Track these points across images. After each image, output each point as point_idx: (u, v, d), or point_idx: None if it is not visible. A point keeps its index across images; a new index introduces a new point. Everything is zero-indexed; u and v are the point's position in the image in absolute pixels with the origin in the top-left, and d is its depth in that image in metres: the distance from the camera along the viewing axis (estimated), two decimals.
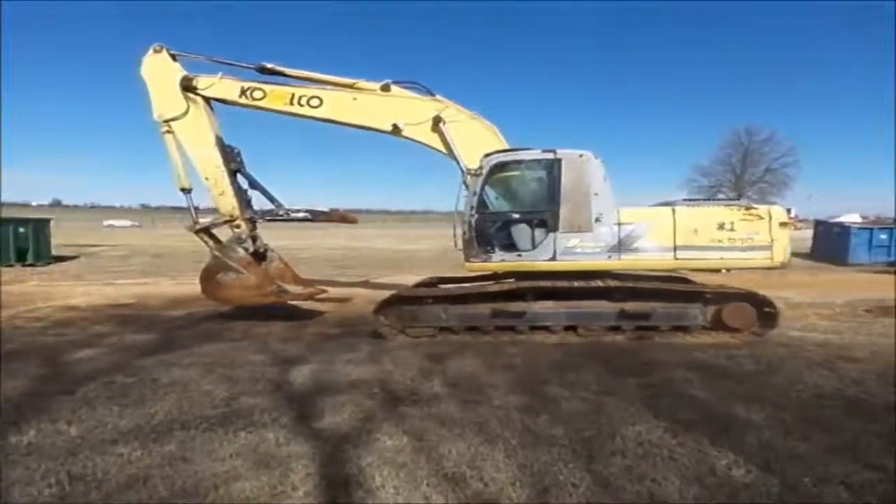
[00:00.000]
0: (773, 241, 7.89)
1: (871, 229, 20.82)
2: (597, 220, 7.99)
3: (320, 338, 8.37)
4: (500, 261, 8.23)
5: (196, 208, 9.88)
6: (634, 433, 4.48)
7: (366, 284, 14.95)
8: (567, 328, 8.15)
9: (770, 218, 7.93)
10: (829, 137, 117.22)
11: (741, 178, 53.02)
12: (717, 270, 9.05)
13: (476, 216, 8.23)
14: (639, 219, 8.10)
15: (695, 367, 6.52)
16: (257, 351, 7.45)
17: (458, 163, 8.94)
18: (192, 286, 14.29)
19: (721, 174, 55.20)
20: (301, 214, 10.01)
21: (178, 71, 9.55)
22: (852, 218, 23.71)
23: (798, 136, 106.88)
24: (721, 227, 7.92)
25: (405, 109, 9.16)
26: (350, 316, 10.30)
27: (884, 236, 20.31)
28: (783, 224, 7.98)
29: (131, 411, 5.05)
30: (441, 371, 6.38)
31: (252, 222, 9.79)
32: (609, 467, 3.88)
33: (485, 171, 8.28)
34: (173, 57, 9.65)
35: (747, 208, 8.06)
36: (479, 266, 8.37)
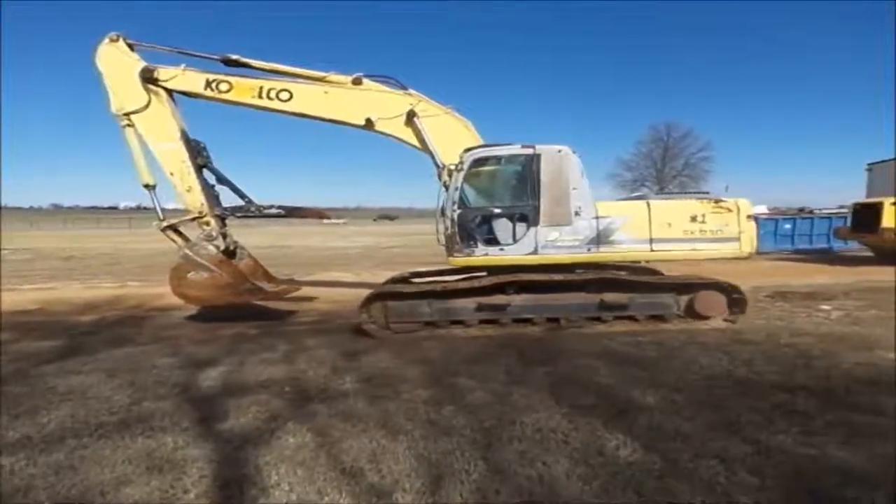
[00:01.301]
0: (741, 232, 8.25)
1: (777, 219, 22.19)
2: (576, 213, 8.13)
3: (237, 339, 8.20)
4: (484, 255, 8.27)
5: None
6: (534, 420, 4.63)
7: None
8: (549, 320, 8.28)
9: (738, 210, 8.26)
10: (741, 132, 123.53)
11: (662, 171, 55.43)
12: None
13: (458, 211, 8.23)
14: (615, 212, 8.30)
15: (603, 354, 6.78)
16: (167, 354, 7.22)
17: (432, 158, 8.91)
18: (104, 290, 13.85)
19: (644, 168, 57.59)
20: (273, 210, 9.74)
21: (136, 61, 9.08)
22: (760, 209, 25.15)
23: (712, 131, 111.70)
24: (693, 219, 8.21)
25: (378, 103, 9.01)
26: (273, 314, 10.14)
27: (788, 226, 21.69)
28: (749, 216, 8.35)
29: (22, 422, 4.82)
30: (356, 368, 6.38)
31: (222, 219, 9.47)
32: (504, 453, 4.00)
33: (465, 166, 8.26)
34: (131, 47, 9.19)
35: (717, 201, 8.34)
36: (462, 261, 8.35)
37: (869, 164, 33.85)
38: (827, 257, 19.63)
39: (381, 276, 16.03)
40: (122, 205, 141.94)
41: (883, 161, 31.90)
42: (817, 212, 23.29)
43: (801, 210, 23.89)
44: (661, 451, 3.97)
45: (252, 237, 32.95)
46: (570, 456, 3.94)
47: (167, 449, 4.17)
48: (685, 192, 8.88)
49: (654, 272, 9.05)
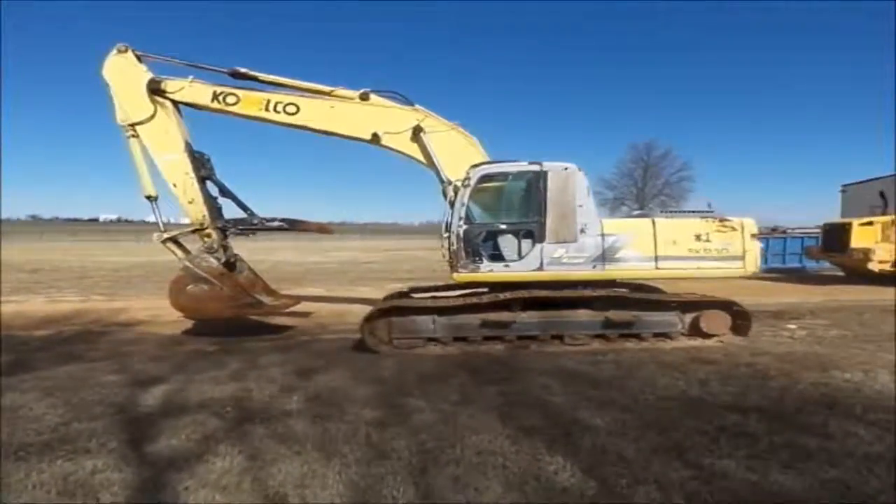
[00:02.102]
0: (745, 251, 8.21)
1: (768, 239, 22.25)
2: (581, 230, 8.07)
3: (192, 356, 7.98)
4: (489, 271, 8.17)
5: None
6: (476, 442, 4.49)
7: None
8: (554, 337, 8.15)
9: (742, 229, 8.24)
10: (720, 149, 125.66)
11: (643, 190, 55.85)
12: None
13: (464, 227, 8.16)
14: (621, 230, 8.26)
15: (559, 373, 6.67)
16: (115, 371, 6.98)
17: (438, 174, 8.87)
18: (66, 304, 13.52)
19: (625, 187, 57.98)
20: (276, 224, 9.63)
21: (144, 73, 9.06)
22: None
23: (692, 149, 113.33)
24: (698, 237, 8.18)
25: (385, 118, 9.01)
26: (230, 330, 9.90)
27: (761, 245, 21.74)
28: (754, 235, 8.31)
29: None
30: (306, 387, 6.20)
31: (223, 231, 9.34)
32: (438, 479, 3.85)
33: (472, 182, 8.19)
34: (138, 58, 9.13)
35: (721, 220, 8.32)
36: (466, 277, 8.25)
37: (843, 186, 34.51)
38: (799, 276, 19.76)
39: (354, 292, 15.95)
40: (102, 217, 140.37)
41: (856, 182, 32.50)
42: (790, 231, 23.49)
43: (774, 229, 24.08)
44: (600, 476, 3.85)
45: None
46: (506, 481, 3.80)
47: (85, 472, 3.96)
48: (690, 211, 8.84)
49: (656, 290, 8.96)
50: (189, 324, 10.59)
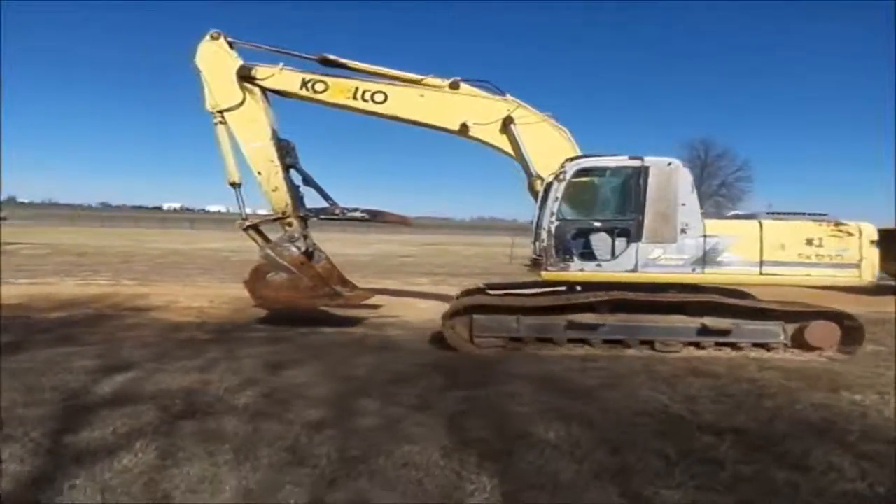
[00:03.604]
0: (862, 258, 7.61)
1: None
2: (682, 230, 7.62)
3: (181, 344, 7.93)
4: (579, 270, 7.80)
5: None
6: (405, 453, 4.15)
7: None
8: (643, 343, 7.72)
9: (860, 235, 7.64)
10: (776, 149, 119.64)
11: (699, 189, 53.46)
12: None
13: (556, 223, 7.77)
14: (725, 231, 7.80)
15: (537, 379, 6.25)
16: (95, 357, 6.97)
17: (526, 166, 8.69)
18: (95, 287, 13.89)
19: None
20: (358, 214, 9.60)
21: (235, 60, 9.14)
22: None
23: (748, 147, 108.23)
24: (809, 242, 7.62)
25: (474, 108, 8.85)
26: (238, 321, 9.89)
27: None
28: (873, 242, 7.68)
29: None
30: (268, 381, 6.01)
31: (304, 220, 9.35)
32: (340, 493, 3.55)
33: (568, 176, 7.82)
34: (230, 45, 9.23)
35: (837, 224, 7.76)
36: (556, 276, 7.89)
37: None
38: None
39: (375, 284, 15.75)
40: (165, 205, 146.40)
41: None
42: None
43: None
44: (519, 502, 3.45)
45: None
46: (411, 500, 3.46)
47: None
48: (800, 213, 8.23)
49: (749, 296, 8.31)
50: (194, 311, 10.69)
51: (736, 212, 9.22)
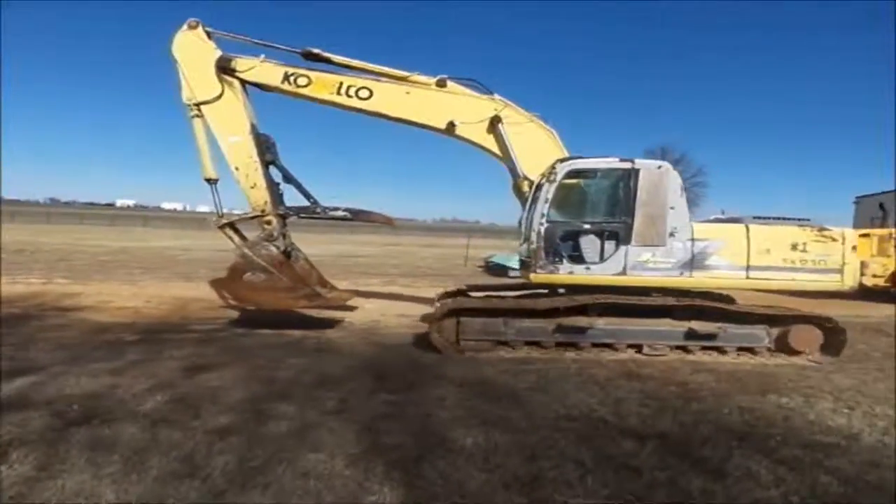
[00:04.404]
0: (844, 264, 7.63)
1: None
2: (671, 234, 7.53)
3: (102, 345, 7.50)
4: (568, 273, 7.64)
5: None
6: (309, 461, 3.92)
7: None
8: (630, 346, 7.61)
9: (843, 240, 7.68)
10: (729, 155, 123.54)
11: None
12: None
13: (545, 225, 7.60)
14: (712, 235, 7.70)
15: (469, 383, 6.06)
16: (8, 359, 6.49)
17: (512, 167, 8.47)
18: (24, 286, 13.17)
19: None
20: (339, 213, 9.22)
21: (213, 50, 8.70)
22: None
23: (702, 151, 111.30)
24: (794, 247, 7.62)
25: (462, 107, 8.62)
26: (172, 321, 9.46)
27: None
28: (854, 247, 7.76)
29: None
30: (182, 385, 5.68)
31: (283, 218, 8.92)
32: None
33: (558, 178, 7.66)
34: (208, 35, 8.77)
35: (821, 229, 7.75)
36: (544, 278, 7.74)
37: (857, 197, 33.19)
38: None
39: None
40: (119, 202, 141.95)
41: (871, 195, 31.22)
42: None
43: None
44: None
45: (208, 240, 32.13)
46: None
47: None
48: (786, 218, 8.20)
49: (731, 300, 8.31)
50: (128, 311, 10.23)
51: (718, 216, 9.24)
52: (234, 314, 9.93)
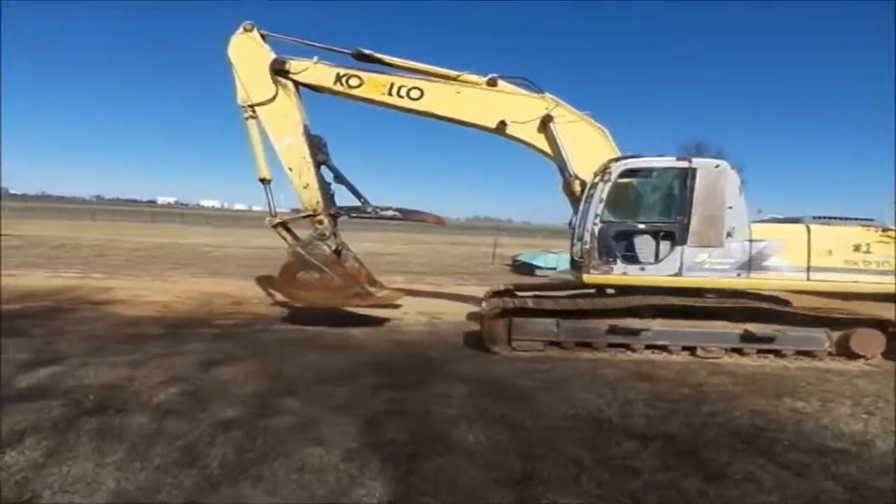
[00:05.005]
0: None
1: None
2: (728, 234, 7.44)
3: (128, 338, 7.73)
4: (622, 273, 7.60)
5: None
6: (307, 456, 3.98)
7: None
8: (685, 349, 7.50)
9: None
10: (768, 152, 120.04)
11: None
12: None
13: (599, 225, 7.59)
14: (771, 235, 7.59)
15: (478, 381, 6.07)
16: (32, 350, 6.74)
17: (564, 166, 8.52)
18: (62, 280, 13.67)
19: None
20: (390, 213, 9.34)
21: (268, 53, 8.91)
22: None
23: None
24: (857, 248, 7.44)
25: (513, 106, 8.69)
26: (199, 316, 9.69)
27: None
28: None
29: None
30: (197, 378, 5.83)
31: (335, 218, 9.13)
32: (219, 495, 3.37)
33: (613, 177, 7.64)
34: (263, 37, 9.00)
35: (885, 229, 7.57)
36: (598, 279, 7.69)
37: None
38: None
39: None
40: (160, 199, 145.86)
41: None
42: None
43: None
44: None
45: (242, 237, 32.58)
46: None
47: None
48: (847, 218, 8.03)
49: (786, 302, 8.09)
50: (157, 305, 10.49)
51: (775, 215, 9.03)
52: (261, 310, 10.15)
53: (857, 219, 7.97)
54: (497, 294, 9.28)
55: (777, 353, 7.46)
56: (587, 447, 4.33)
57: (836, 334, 7.51)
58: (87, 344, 7.24)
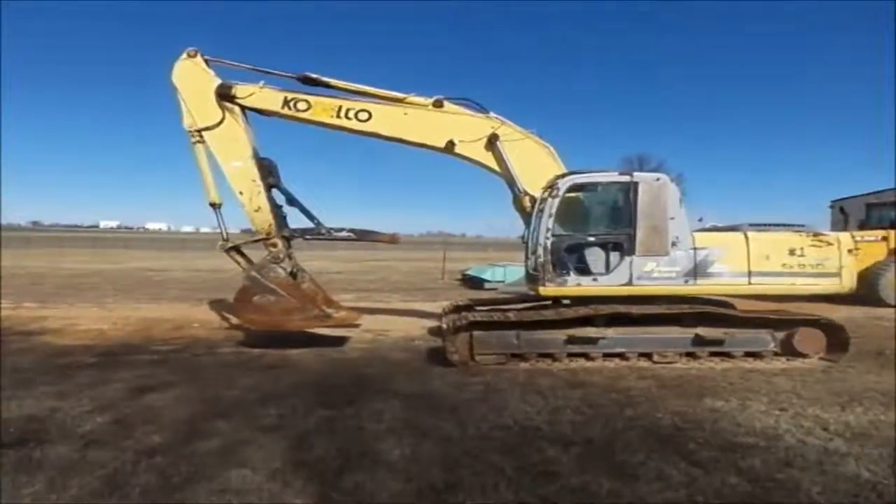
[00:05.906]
0: (841, 267, 7.83)
1: None
2: (673, 244, 7.72)
3: (56, 368, 7.50)
4: (576, 285, 7.84)
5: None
6: (230, 477, 3.99)
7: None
8: (641, 355, 7.76)
9: (839, 244, 7.89)
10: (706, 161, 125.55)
11: None
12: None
13: (551, 239, 7.81)
14: (713, 243, 7.88)
15: (414, 396, 6.16)
16: None
17: (512, 183, 8.66)
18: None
19: None
20: (344, 234, 9.39)
21: (212, 78, 8.84)
22: None
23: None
24: (792, 252, 7.82)
25: (459, 126, 8.83)
26: (134, 343, 9.46)
27: None
28: (850, 251, 7.93)
29: None
30: (128, 406, 5.73)
31: (288, 240, 9.05)
32: None
33: (561, 193, 7.87)
34: (207, 63, 8.91)
35: (816, 234, 7.97)
36: (553, 291, 7.93)
37: (832, 202, 33.69)
38: None
39: None
40: (102, 223, 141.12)
41: (847, 198, 31.72)
42: None
43: None
44: None
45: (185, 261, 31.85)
46: None
47: None
48: (782, 225, 8.38)
49: (732, 305, 8.37)
50: (91, 334, 10.21)
51: (715, 224, 9.45)
52: (201, 333, 10.01)
53: (790, 225, 8.44)
54: (456, 309, 9.44)
55: (727, 356, 7.82)
56: (511, 454, 4.47)
57: (780, 335, 7.92)
58: (13, 377, 7.00)
